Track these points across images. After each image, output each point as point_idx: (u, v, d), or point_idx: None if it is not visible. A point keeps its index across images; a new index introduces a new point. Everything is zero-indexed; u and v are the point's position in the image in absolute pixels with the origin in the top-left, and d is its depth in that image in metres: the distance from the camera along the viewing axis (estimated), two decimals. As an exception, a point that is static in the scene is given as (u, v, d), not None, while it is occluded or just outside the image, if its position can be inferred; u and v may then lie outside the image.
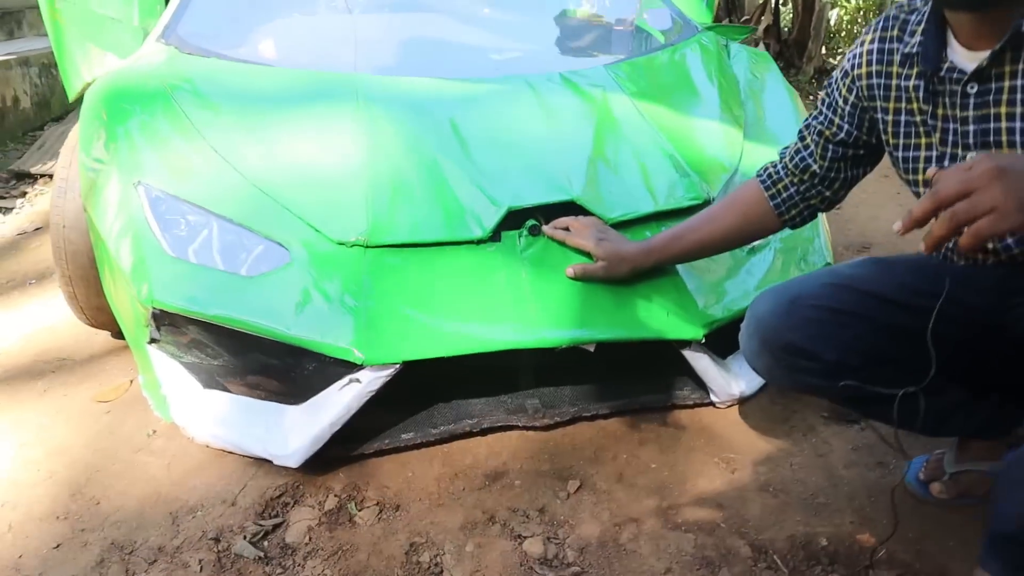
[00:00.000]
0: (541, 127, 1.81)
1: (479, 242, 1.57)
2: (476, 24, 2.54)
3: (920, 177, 1.23)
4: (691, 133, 1.91)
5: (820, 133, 1.39)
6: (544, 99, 1.89)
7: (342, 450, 1.59)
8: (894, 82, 1.23)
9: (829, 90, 1.38)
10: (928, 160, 1.21)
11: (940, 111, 1.17)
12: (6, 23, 5.50)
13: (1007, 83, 1.07)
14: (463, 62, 2.21)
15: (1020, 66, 1.06)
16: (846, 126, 1.34)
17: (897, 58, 1.22)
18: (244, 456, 1.61)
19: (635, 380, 1.77)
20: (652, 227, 1.67)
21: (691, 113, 1.98)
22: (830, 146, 1.38)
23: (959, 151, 1.15)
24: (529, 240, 1.60)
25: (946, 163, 1.17)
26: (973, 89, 1.10)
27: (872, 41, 1.27)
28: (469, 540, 1.42)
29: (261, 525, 1.46)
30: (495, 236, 1.58)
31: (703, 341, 1.57)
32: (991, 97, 1.09)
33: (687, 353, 1.61)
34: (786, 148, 1.48)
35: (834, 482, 1.56)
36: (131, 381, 1.94)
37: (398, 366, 1.43)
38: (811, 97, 5.31)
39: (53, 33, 2.20)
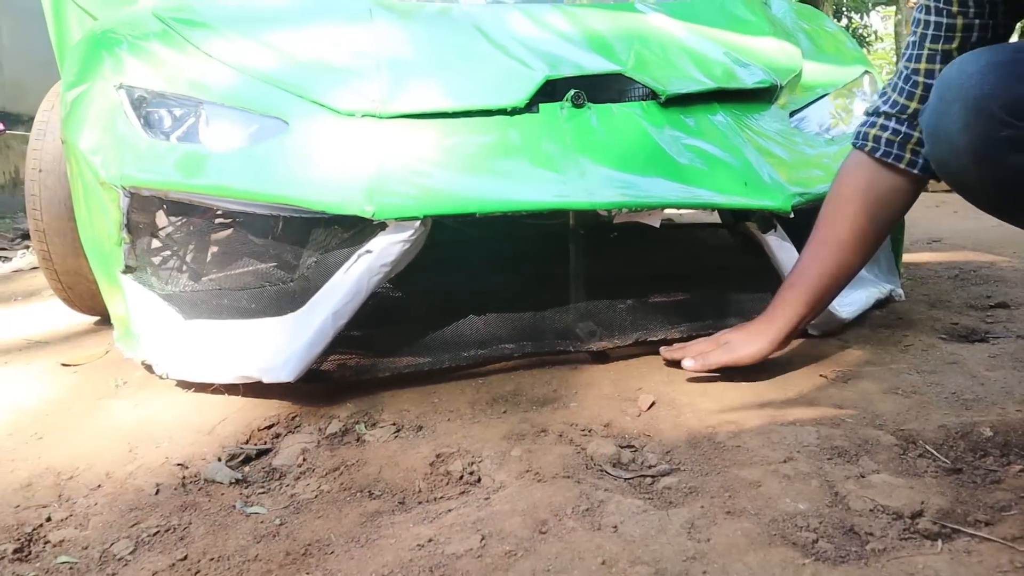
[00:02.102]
0: (574, 31, 1.60)
1: (512, 113, 1.32)
2: None
3: None
4: (743, 42, 1.69)
5: (932, 45, 1.06)
6: (575, 13, 1.70)
7: (349, 373, 1.28)
8: None
9: None
10: None
11: None
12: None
13: None
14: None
15: None
16: (977, 21, 1.02)
17: None
18: (227, 394, 1.30)
19: (706, 298, 1.45)
20: (714, 108, 1.42)
21: (739, 32, 1.77)
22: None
23: None
24: (572, 112, 1.34)
25: None
26: None
27: None
28: (516, 446, 1.07)
29: (242, 449, 1.13)
30: (531, 108, 1.34)
31: (792, 215, 1.28)
32: None
33: (771, 240, 1.31)
34: (885, 94, 1.16)
35: (980, 381, 1.21)
36: (106, 351, 1.64)
37: (418, 226, 1.14)
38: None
39: (53, 10, 2.08)
